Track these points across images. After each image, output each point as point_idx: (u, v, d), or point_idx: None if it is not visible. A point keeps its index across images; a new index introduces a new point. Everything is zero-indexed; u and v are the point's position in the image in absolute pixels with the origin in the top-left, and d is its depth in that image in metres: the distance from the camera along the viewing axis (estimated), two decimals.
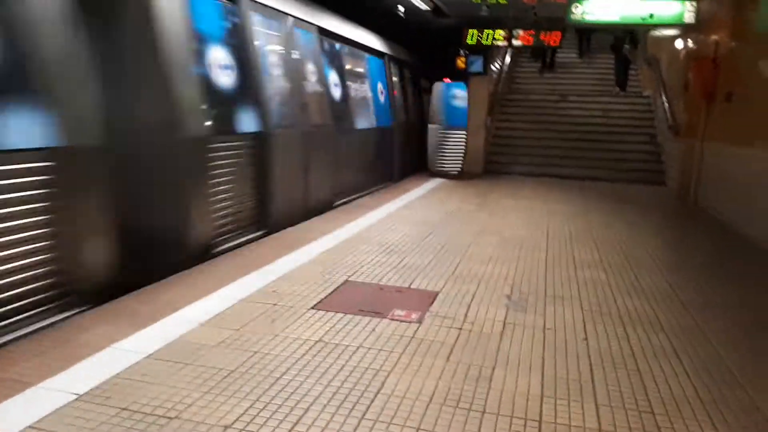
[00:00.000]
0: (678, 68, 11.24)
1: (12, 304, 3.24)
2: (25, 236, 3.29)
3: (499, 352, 3.17)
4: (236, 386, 2.66)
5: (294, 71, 6.66)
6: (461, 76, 12.24)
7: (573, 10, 8.70)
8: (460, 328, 3.48)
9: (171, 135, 4.43)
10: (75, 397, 2.50)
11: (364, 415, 2.45)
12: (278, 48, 6.43)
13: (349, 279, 4.39)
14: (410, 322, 3.55)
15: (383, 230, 6.15)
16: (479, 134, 12.06)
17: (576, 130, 12.92)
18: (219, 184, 5.13)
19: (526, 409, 2.57)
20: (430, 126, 11.26)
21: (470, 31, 10.76)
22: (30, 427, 2.26)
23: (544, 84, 15.11)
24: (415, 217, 6.97)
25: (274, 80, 6.19)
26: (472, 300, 4.01)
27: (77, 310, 3.53)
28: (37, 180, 3.33)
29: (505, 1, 10.23)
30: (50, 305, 3.46)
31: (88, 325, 3.24)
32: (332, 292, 4.06)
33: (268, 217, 5.92)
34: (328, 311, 3.67)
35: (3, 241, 3.18)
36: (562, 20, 10.54)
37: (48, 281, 3.45)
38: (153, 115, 4.36)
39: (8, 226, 3.20)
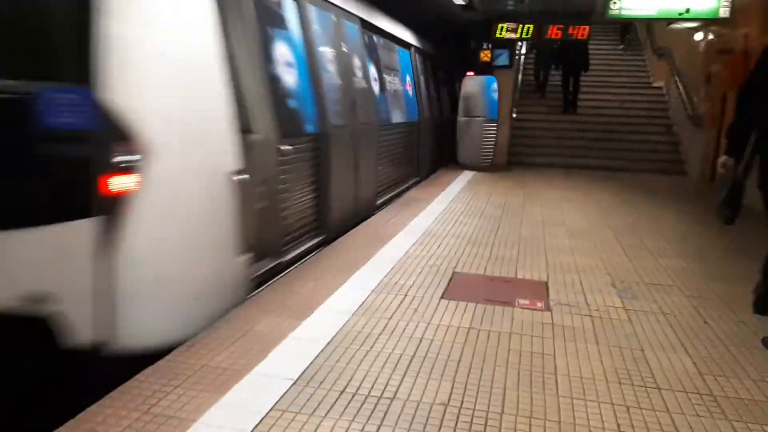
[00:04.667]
0: (697, 60, 11.63)
1: None
2: None
3: (637, 335, 3.45)
4: (426, 369, 2.91)
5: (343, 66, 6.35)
6: (485, 70, 12.53)
7: (611, 6, 8.98)
8: (590, 315, 3.76)
9: None
10: (291, 382, 2.74)
11: (557, 393, 2.72)
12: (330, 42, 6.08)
13: (456, 271, 4.65)
14: (540, 310, 3.82)
15: (453, 224, 6.41)
16: (505, 126, 12.38)
17: (593, 121, 13.31)
18: None
19: (694, 385, 2.86)
20: (463, 119, 11.47)
21: (500, 25, 11.01)
22: (273, 409, 2.50)
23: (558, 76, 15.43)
24: (474, 211, 7.23)
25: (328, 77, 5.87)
26: (582, 289, 4.30)
27: None
28: None
29: None
30: None
31: (260, 318, 3.47)
32: (449, 283, 4.32)
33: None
34: (459, 300, 3.93)
35: None
36: (591, 15, 10.92)
37: None
38: None
39: None
